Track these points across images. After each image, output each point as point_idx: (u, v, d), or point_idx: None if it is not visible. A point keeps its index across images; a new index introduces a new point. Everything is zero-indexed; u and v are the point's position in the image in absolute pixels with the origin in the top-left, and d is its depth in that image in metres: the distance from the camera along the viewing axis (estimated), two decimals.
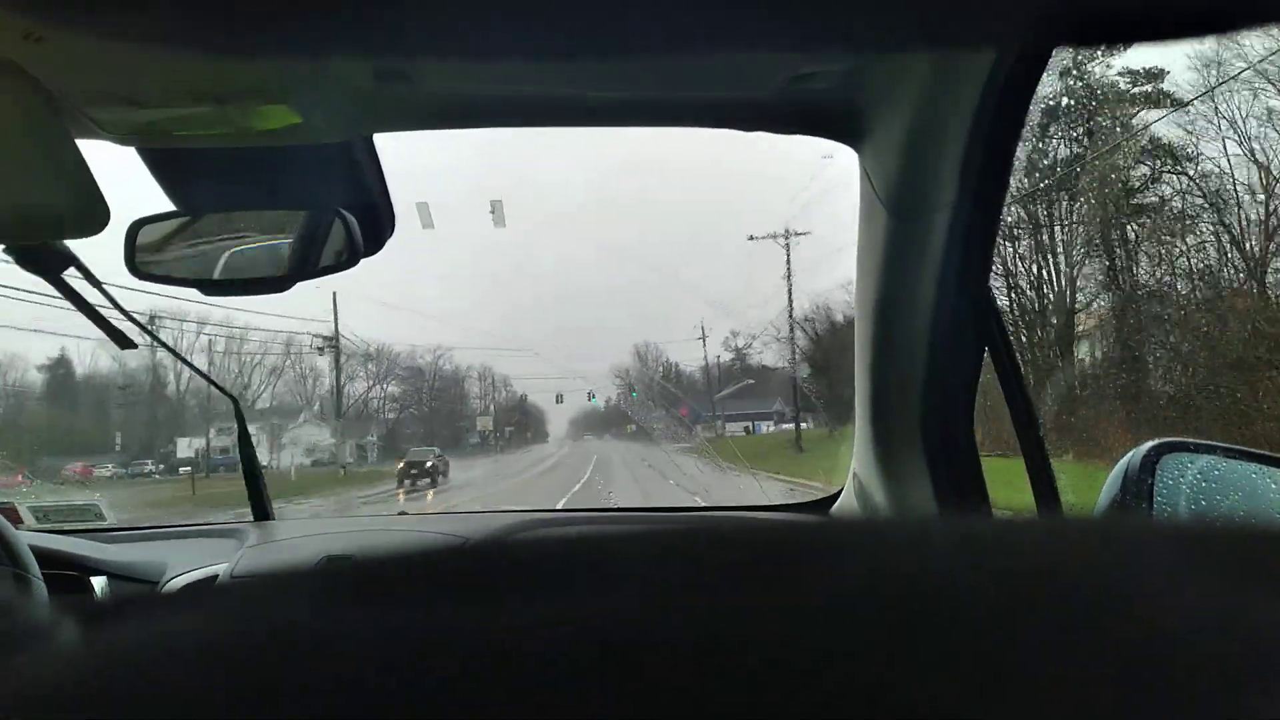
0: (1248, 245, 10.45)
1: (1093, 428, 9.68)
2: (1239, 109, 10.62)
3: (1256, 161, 10.53)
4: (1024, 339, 11.91)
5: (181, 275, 1.15)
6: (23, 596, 1.14)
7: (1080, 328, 11.86)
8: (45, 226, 0.86)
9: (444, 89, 0.99)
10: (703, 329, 27.12)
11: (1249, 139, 10.59)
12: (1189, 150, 11.05)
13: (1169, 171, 11.28)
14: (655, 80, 0.99)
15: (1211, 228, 10.85)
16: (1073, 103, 11.72)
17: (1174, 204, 11.35)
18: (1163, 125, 11.24)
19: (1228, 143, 10.78)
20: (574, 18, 0.28)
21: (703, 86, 1.02)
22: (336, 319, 24.13)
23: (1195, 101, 10.91)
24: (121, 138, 0.97)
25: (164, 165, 1.08)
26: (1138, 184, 11.45)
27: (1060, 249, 12.15)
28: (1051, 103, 11.52)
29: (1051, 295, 12.12)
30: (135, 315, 1.27)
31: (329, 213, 1.10)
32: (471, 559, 0.22)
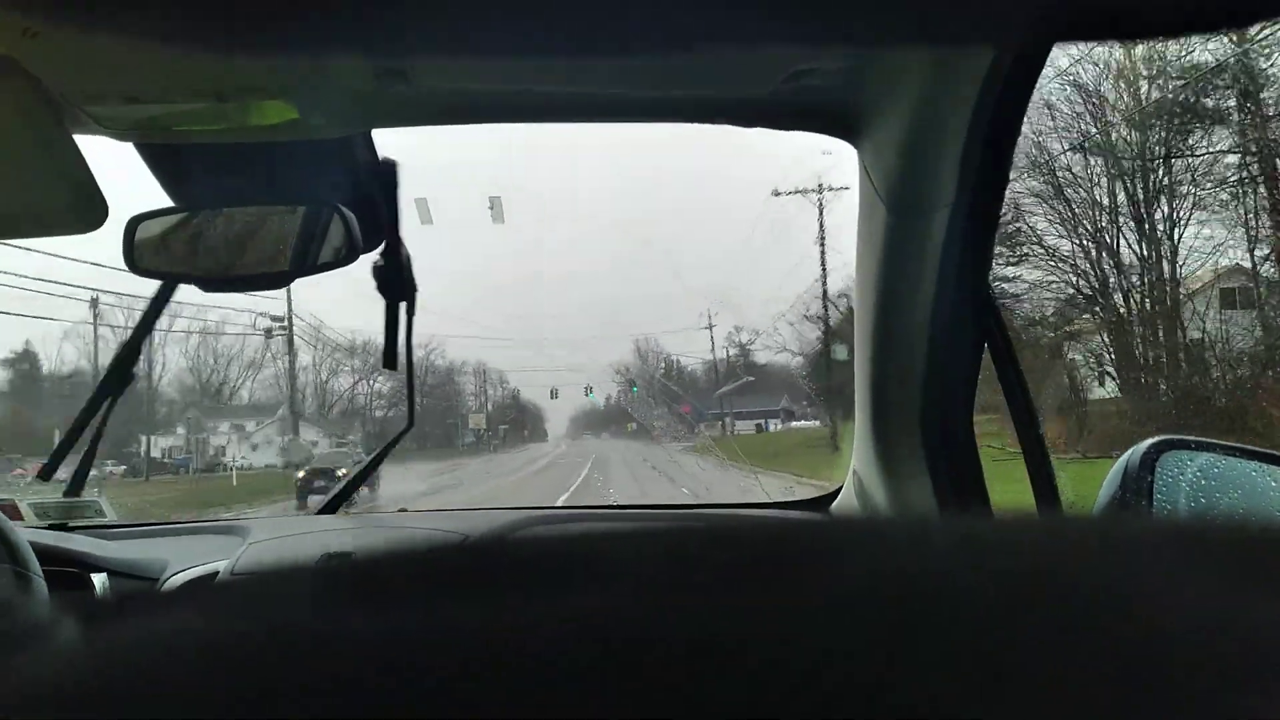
0: None
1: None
2: None
3: None
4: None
5: (180, 271, 1.15)
6: (23, 594, 1.14)
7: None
8: (43, 222, 0.86)
9: (443, 86, 0.99)
10: (709, 316, 26.48)
11: None
12: None
13: None
14: (654, 77, 0.99)
15: None
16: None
17: None
18: None
19: None
20: (573, 15, 0.28)
21: (701, 83, 1.02)
22: (290, 297, 22.78)
23: None
24: (120, 133, 0.97)
25: (162, 161, 1.08)
26: None
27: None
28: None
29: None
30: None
31: (328, 209, 1.10)
32: (471, 556, 0.22)
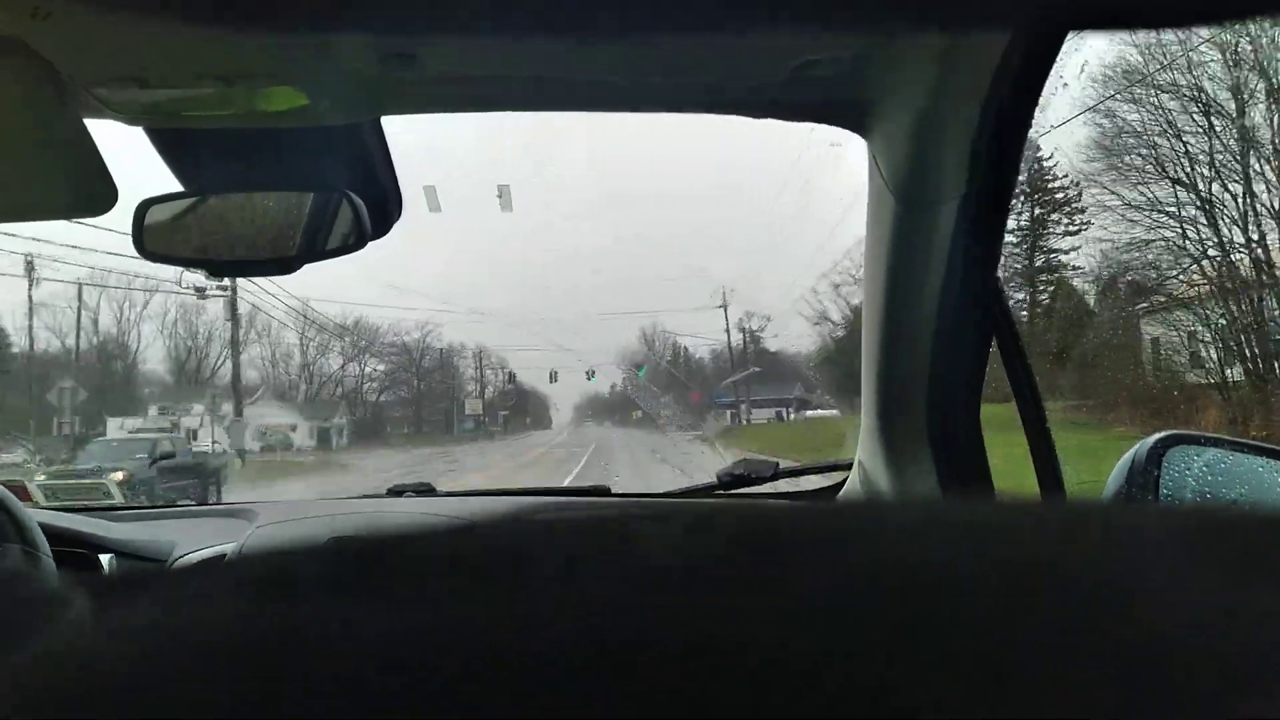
0: None
1: None
2: None
3: None
4: None
5: (189, 255, 1.16)
6: (33, 573, 1.15)
7: None
8: (53, 206, 0.87)
9: (452, 72, 0.99)
10: (724, 295, 25.58)
11: None
12: None
13: None
14: (663, 65, 0.99)
15: None
16: None
17: None
18: None
19: None
20: (582, 1, 0.28)
21: (710, 72, 1.02)
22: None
23: None
24: (129, 118, 0.97)
25: (172, 146, 1.08)
26: None
27: None
28: None
29: None
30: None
31: (336, 195, 1.10)
32: (476, 542, 0.22)
